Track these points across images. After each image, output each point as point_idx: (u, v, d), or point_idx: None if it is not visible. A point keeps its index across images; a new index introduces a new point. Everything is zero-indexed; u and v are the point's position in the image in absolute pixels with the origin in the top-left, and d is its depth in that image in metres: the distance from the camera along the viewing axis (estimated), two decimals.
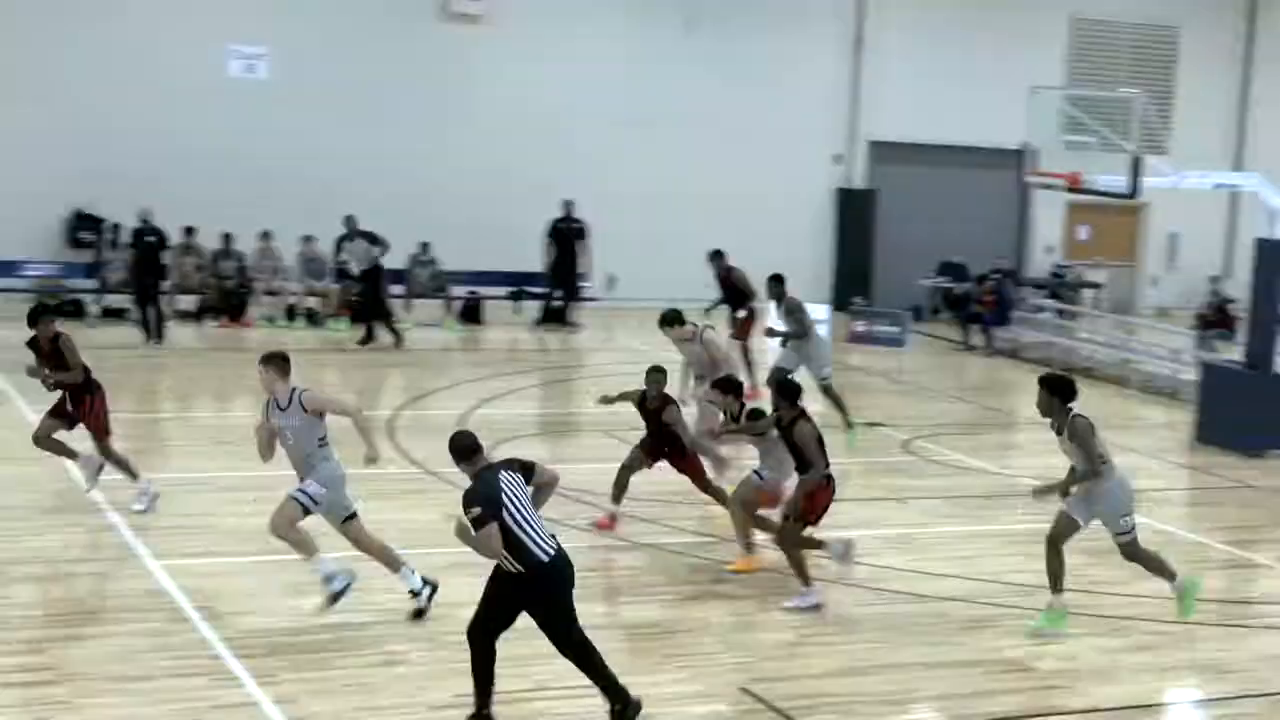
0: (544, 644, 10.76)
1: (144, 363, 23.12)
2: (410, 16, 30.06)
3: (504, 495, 9.21)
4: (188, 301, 27.34)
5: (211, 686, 10.06)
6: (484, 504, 9.12)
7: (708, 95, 31.71)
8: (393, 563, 11.65)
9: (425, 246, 29.04)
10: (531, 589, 9.30)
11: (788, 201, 32.76)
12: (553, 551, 9.29)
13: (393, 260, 28.11)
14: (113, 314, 25.65)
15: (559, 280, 28.94)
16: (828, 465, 12.45)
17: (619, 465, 14.49)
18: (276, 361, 11.56)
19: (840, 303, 31.11)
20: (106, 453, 14.43)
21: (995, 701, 10.66)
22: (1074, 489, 11.85)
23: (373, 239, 25.64)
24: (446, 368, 24.63)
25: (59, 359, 14.36)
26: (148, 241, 24.60)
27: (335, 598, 11.30)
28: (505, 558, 9.18)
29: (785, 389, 12.65)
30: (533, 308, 29.31)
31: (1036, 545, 12.30)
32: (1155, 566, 12.20)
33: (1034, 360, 26.76)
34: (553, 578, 9.31)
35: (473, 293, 29.32)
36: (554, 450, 18.63)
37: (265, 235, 27.87)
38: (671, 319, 16.95)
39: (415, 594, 11.54)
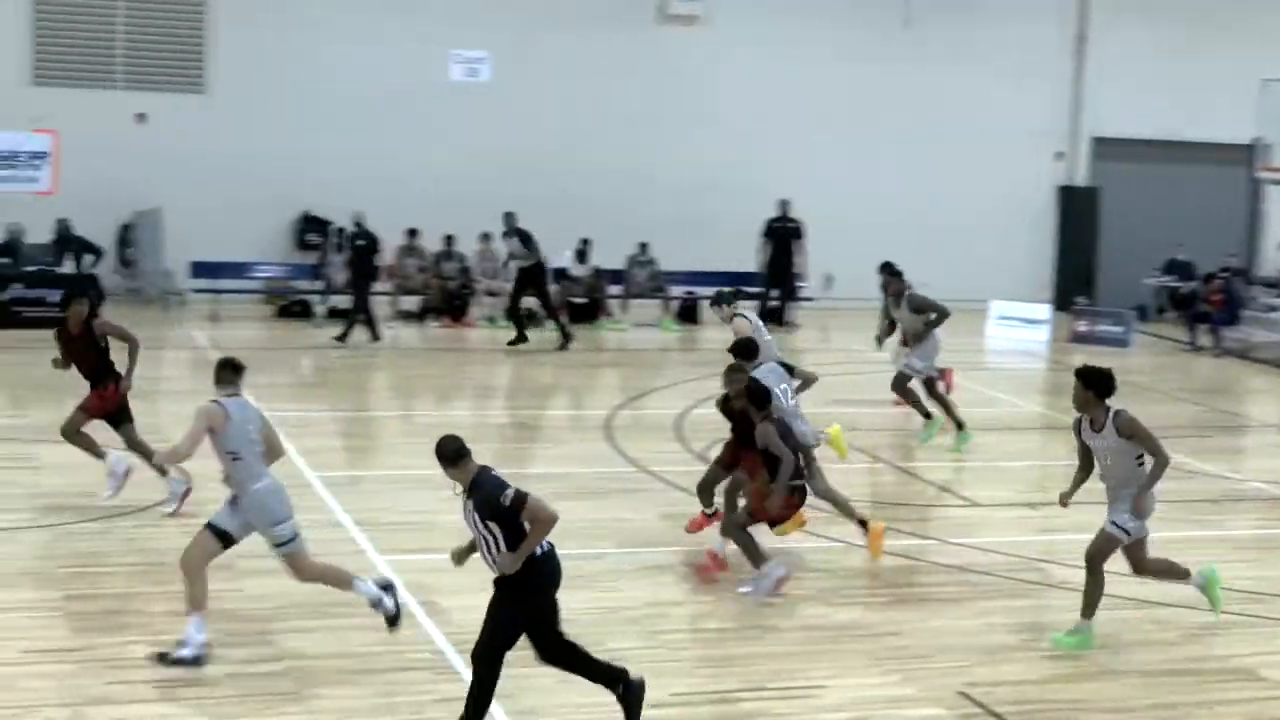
0: (757, 643, 10.80)
1: (367, 362, 23.63)
2: (628, 18, 30.27)
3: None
4: (410, 302, 27.88)
5: (433, 680, 10.24)
6: (508, 485, 9.00)
7: (924, 92, 31.43)
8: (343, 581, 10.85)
9: (644, 247, 29.21)
10: (527, 586, 9.06)
11: (1007, 200, 32.31)
12: (546, 548, 9.10)
13: (612, 260, 28.40)
14: (338, 314, 26.25)
15: (775, 280, 28.90)
16: (798, 476, 12.33)
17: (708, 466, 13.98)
18: None
19: (1062, 303, 30.58)
20: (132, 442, 14.39)
21: (1219, 712, 10.38)
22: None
23: (526, 239, 25.71)
24: (663, 367, 24.76)
25: (89, 345, 14.36)
26: (358, 245, 25.07)
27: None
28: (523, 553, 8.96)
29: (755, 393, 12.31)
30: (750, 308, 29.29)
31: (1266, 551, 11.96)
32: (1167, 571, 11.73)
33: (1265, 361, 26.01)
34: (546, 574, 9.12)
35: (690, 293, 29.42)
36: None
37: (485, 237, 28.27)
38: (718, 299, 15.80)
39: (376, 605, 10.67)
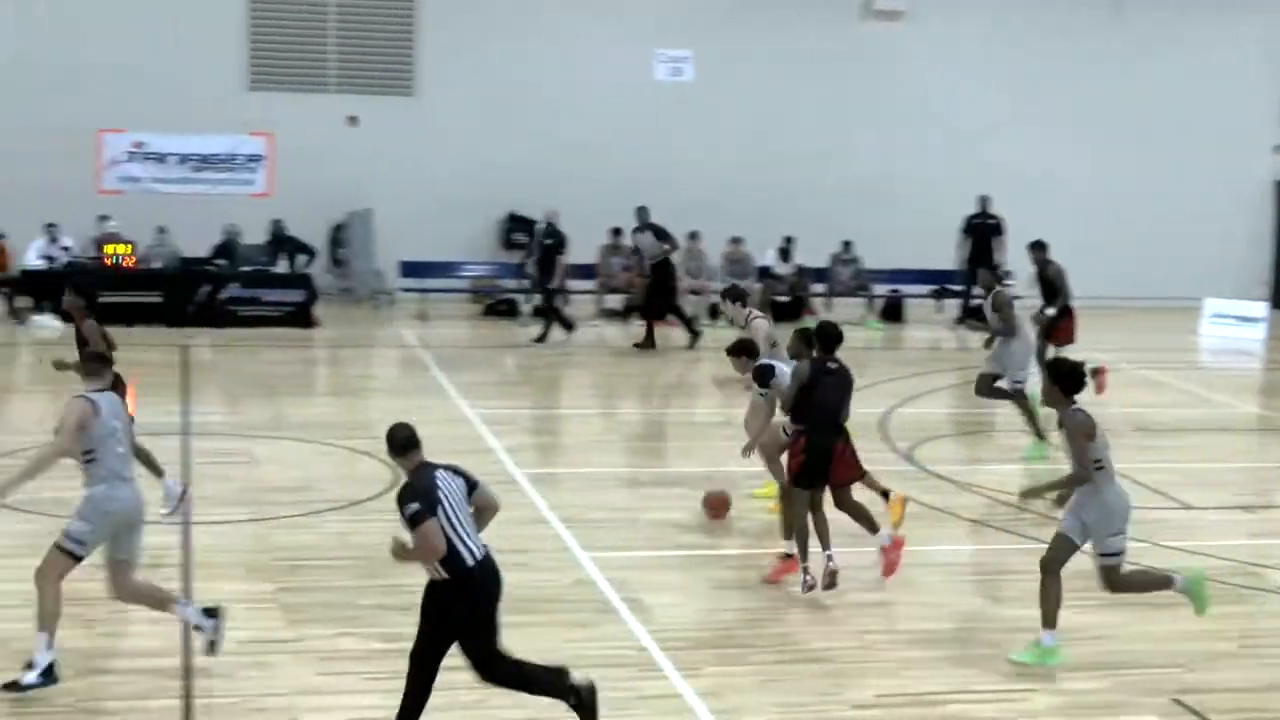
0: (961, 645, 10.65)
1: (570, 360, 23.81)
2: (831, 15, 30.08)
3: (440, 493, 8.65)
4: (613, 300, 28.03)
5: (637, 677, 10.27)
6: (421, 499, 8.57)
7: (1135, 83, 30.81)
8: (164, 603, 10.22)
9: (847, 245, 29.03)
10: (455, 596, 8.62)
11: (1222, 194, 31.45)
12: (479, 558, 8.67)
13: (815, 259, 28.26)
14: (541, 313, 26.45)
15: (976, 277, 28.48)
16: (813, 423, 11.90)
17: None
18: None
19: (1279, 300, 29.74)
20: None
21: None
22: (1057, 499, 11.01)
23: (661, 234, 25.46)
24: (867, 366, 24.46)
25: (82, 341, 13.48)
26: (545, 244, 25.19)
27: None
28: (436, 567, 8.59)
29: (819, 332, 12.30)
30: (954, 305, 28.95)
31: None
32: (1144, 583, 10.99)
33: None
34: (477, 586, 8.66)
35: (894, 291, 29.16)
36: (970, 451, 18.40)
37: (693, 235, 28.32)
38: (731, 294, 15.64)
39: (200, 629, 10.06)
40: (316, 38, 28.81)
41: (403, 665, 9.86)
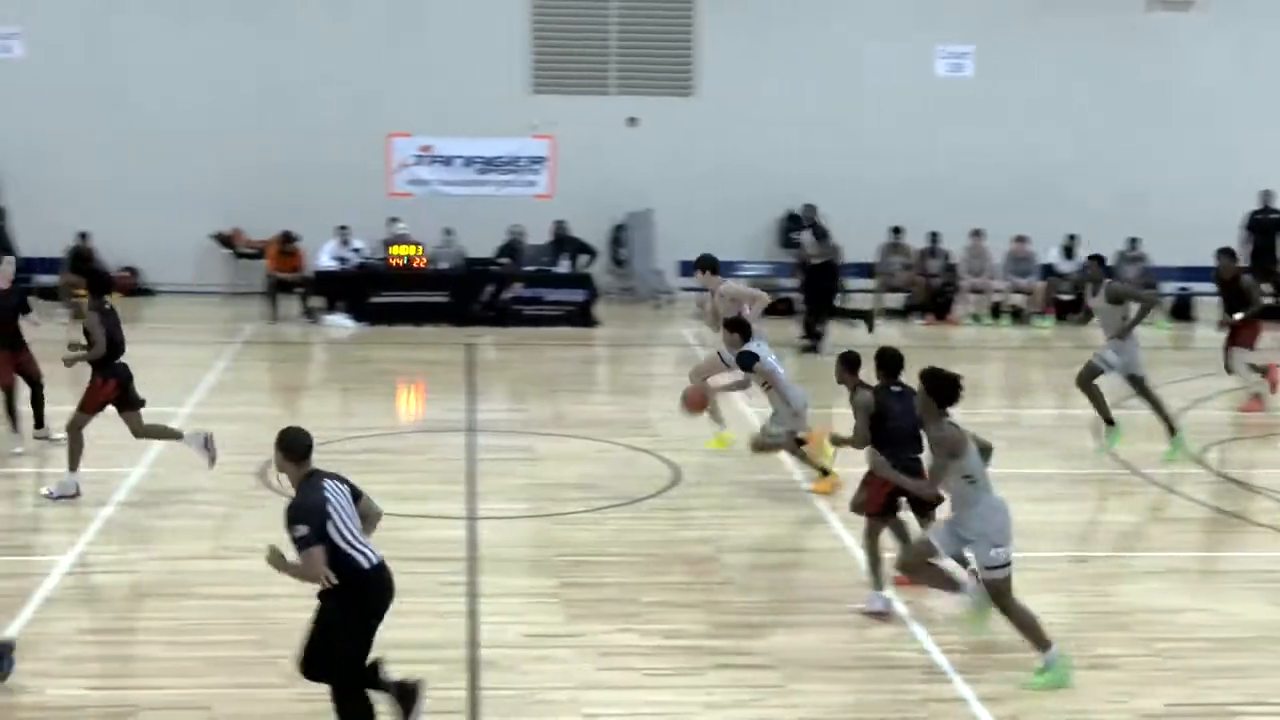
0: (1260, 654, 10.30)
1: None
2: (1117, 5, 29.31)
3: (329, 506, 8.55)
4: (894, 299, 27.80)
5: (920, 680, 10.16)
6: (308, 519, 8.43)
7: None
8: None
9: (1133, 242, 28.27)
10: (349, 600, 8.55)
11: None
12: (374, 563, 8.62)
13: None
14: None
15: (1265, 274, 27.48)
16: (890, 449, 11.31)
17: None
18: None
19: None
20: (74, 427, 14.17)
21: None
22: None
23: (820, 234, 24.74)
24: (1153, 366, 23.81)
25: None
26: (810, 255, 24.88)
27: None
28: (327, 576, 8.46)
29: (847, 358, 12.00)
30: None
31: None
32: (1023, 623, 10.09)
33: None
34: (371, 589, 8.62)
35: (1183, 289, 28.33)
36: (1262, 454, 17.78)
37: (976, 233, 27.90)
38: (703, 264, 16.81)
39: None
40: (597, 41, 29.15)
41: (685, 661, 9.95)
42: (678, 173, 28.60)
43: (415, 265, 25.93)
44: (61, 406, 15.07)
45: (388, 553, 8.76)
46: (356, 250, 26.52)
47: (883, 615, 11.26)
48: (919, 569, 10.59)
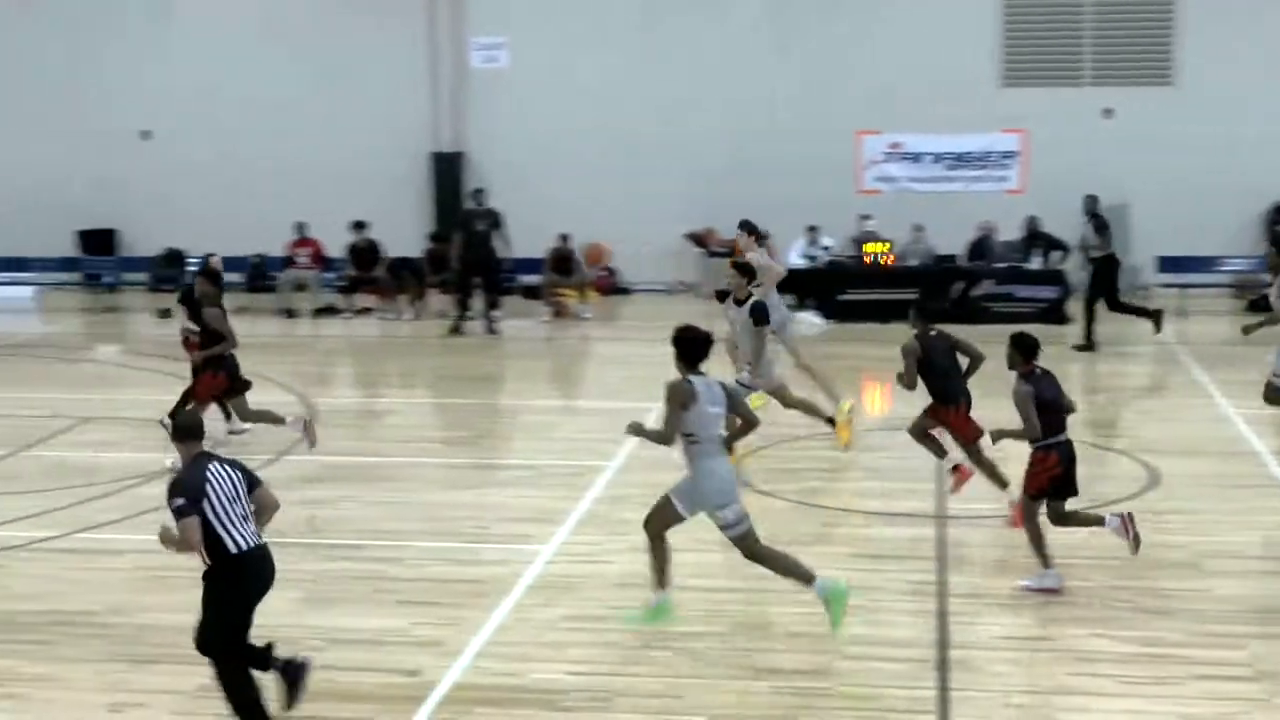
0: None
1: None
2: None
3: (209, 486, 9.02)
4: None
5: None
6: (185, 493, 8.97)
7: None
8: None
9: None
10: (217, 578, 9.07)
11: None
12: (246, 548, 9.04)
13: None
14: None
15: None
16: (1055, 432, 11.54)
17: None
18: None
19: None
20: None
21: None
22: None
23: (1102, 227, 22.98)
24: None
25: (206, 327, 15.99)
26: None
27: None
28: (203, 555, 8.99)
29: (1021, 340, 11.82)
30: None
31: None
32: (785, 569, 10.67)
33: None
34: (236, 571, 9.05)
35: None
36: None
37: None
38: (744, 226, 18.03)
39: None
40: (1071, 31, 28.50)
41: (1161, 670, 9.63)
42: (1155, 165, 27.67)
43: (884, 263, 25.92)
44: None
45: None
46: (825, 248, 26.68)
47: (1054, 592, 11.46)
48: (773, 562, 10.78)
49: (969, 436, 13.64)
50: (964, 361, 13.87)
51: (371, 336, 25.29)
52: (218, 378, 16.10)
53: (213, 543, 9.03)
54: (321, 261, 27.54)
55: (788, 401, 16.10)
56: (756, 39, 28.42)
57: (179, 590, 11.62)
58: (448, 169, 28.81)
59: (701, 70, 28.34)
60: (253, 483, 9.38)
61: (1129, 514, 12.01)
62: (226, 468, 9.25)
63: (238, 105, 29.05)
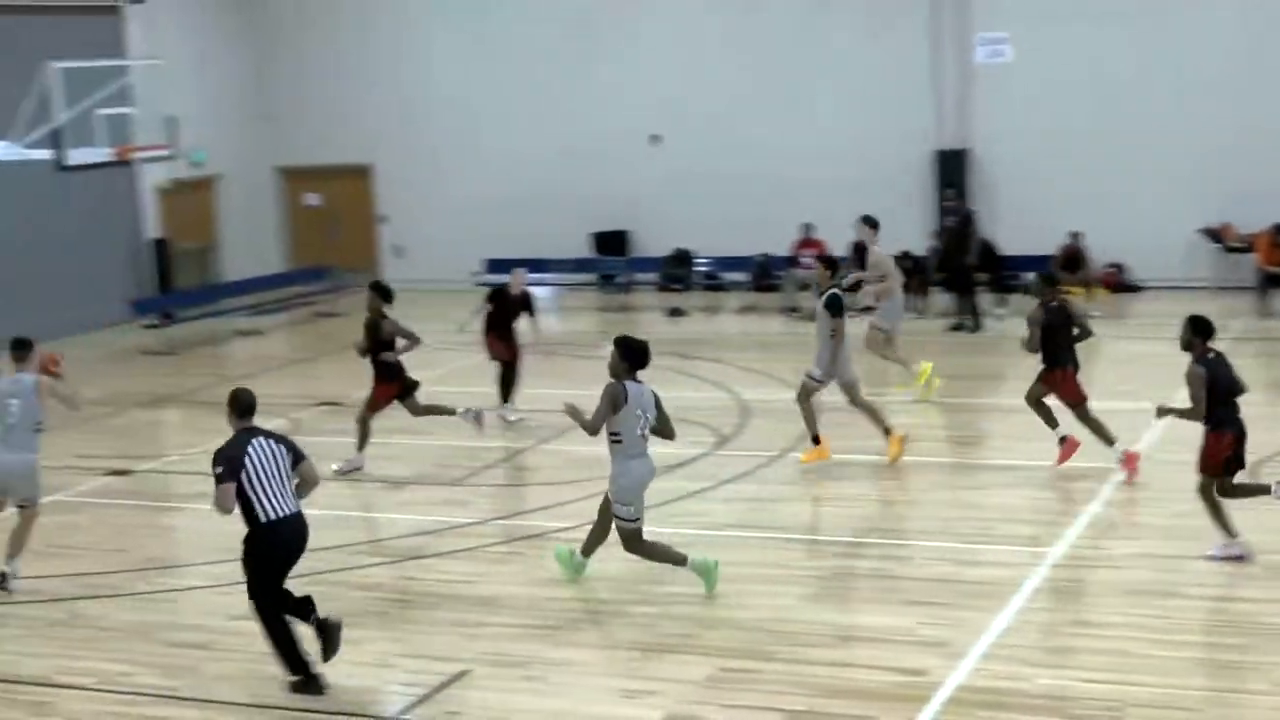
0: None
1: None
2: None
3: (248, 458, 10.12)
4: None
5: None
6: (225, 463, 10.10)
7: None
8: None
9: None
10: (251, 542, 10.19)
11: None
12: (275, 517, 10.09)
13: None
14: None
15: None
16: (1229, 414, 11.95)
17: None
18: None
19: None
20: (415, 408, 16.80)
21: None
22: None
23: None
24: None
25: (375, 337, 16.38)
26: None
27: None
28: (239, 514, 10.11)
29: (1197, 322, 12.20)
30: None
31: None
32: (660, 555, 12.03)
33: None
34: (265, 537, 10.14)
35: None
36: None
37: None
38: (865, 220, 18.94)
39: None
40: None
41: None
42: None
43: None
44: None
45: None
46: None
47: (1240, 560, 11.83)
48: (650, 552, 12.03)
49: (1075, 398, 14.92)
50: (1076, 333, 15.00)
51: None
52: (391, 385, 16.64)
53: (246, 509, 10.13)
54: None
55: (855, 401, 16.09)
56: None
57: (691, 581, 12.01)
58: (951, 167, 28.60)
59: (1216, 53, 27.14)
60: (298, 458, 10.46)
61: None
62: (271, 442, 10.34)
63: (741, 108, 29.59)
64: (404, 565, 13.11)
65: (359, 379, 17.46)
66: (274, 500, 10.16)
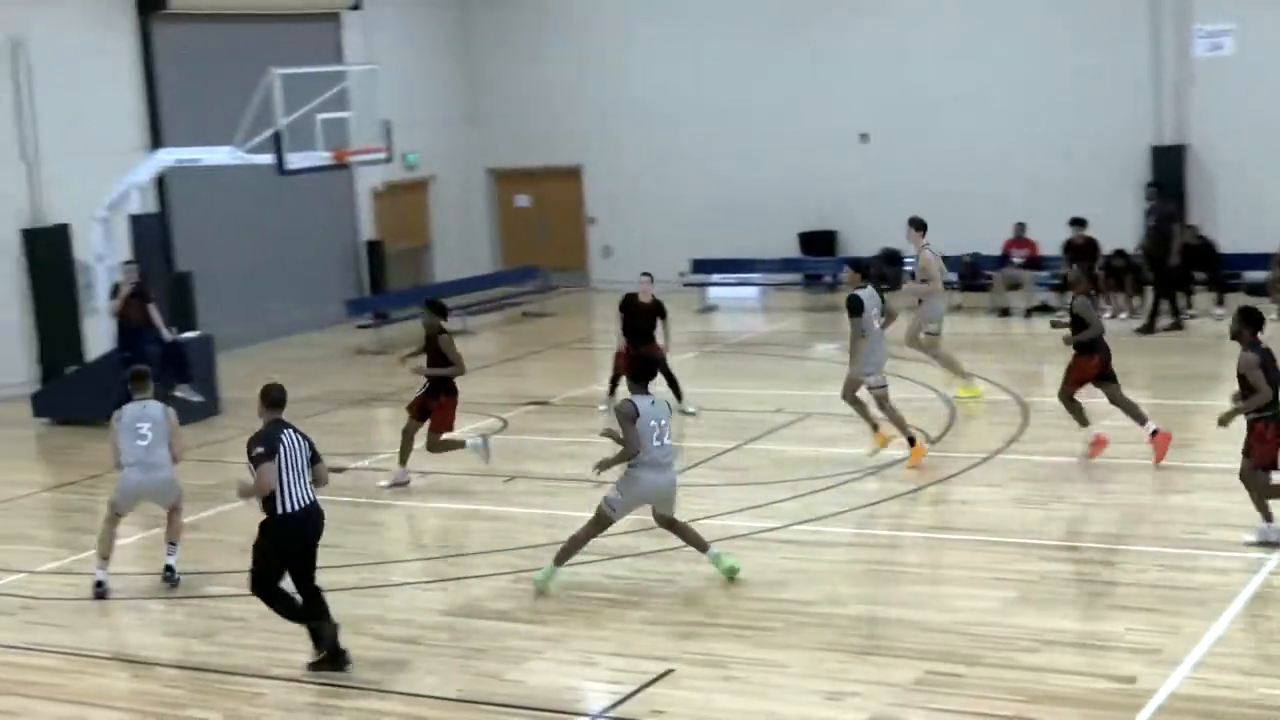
0: None
1: None
2: None
3: (281, 446, 10.64)
4: None
5: None
6: (265, 443, 10.63)
7: None
8: None
9: None
10: (266, 531, 10.76)
11: None
12: (291, 509, 10.62)
13: None
14: None
15: None
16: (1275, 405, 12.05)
17: None
18: None
19: None
20: (434, 446, 16.42)
21: None
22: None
23: None
24: None
25: (434, 352, 16.23)
26: None
27: None
28: (260, 508, 10.68)
29: (1249, 313, 12.43)
30: None
31: None
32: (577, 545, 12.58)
33: None
34: (280, 527, 10.69)
35: None
36: None
37: None
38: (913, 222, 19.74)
39: None
40: None
41: None
42: None
43: None
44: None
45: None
46: None
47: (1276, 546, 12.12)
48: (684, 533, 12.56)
49: (1106, 376, 15.68)
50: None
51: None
52: (453, 398, 16.49)
53: (268, 497, 10.60)
54: (1036, 262, 27.29)
55: (848, 397, 16.37)
56: None
57: (895, 583, 11.94)
58: (1169, 163, 27.89)
59: None
60: (315, 456, 10.94)
61: None
62: (299, 436, 10.87)
63: (950, 105, 29.23)
64: (607, 564, 13.19)
65: (566, 379, 17.66)
66: (293, 492, 10.73)
